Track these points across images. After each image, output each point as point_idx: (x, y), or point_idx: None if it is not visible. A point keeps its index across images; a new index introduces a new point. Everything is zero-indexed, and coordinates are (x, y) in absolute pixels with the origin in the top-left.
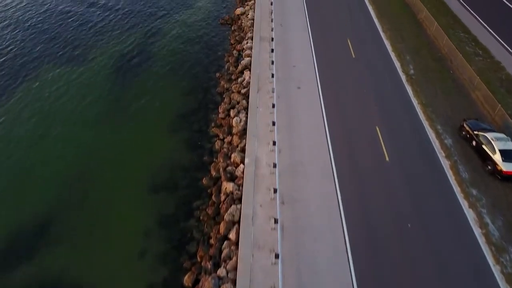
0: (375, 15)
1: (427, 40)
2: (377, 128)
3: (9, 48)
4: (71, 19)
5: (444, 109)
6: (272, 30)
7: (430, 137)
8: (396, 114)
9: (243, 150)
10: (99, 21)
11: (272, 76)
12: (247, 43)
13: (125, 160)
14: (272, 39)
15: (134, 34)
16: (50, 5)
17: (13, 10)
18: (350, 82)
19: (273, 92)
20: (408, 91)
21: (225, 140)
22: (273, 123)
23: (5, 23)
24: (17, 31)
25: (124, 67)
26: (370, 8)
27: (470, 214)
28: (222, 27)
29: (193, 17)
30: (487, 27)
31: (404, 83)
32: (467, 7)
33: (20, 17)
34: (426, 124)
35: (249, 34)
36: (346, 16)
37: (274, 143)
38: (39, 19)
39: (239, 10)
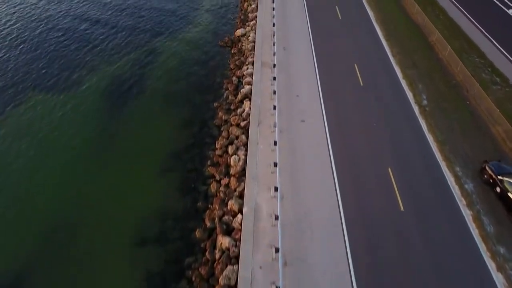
0: (383, 38)
1: (440, 66)
2: (390, 171)
3: None
4: (66, 41)
5: (463, 147)
6: (274, 54)
7: (449, 181)
8: (410, 153)
9: (241, 196)
10: (97, 43)
11: (274, 108)
12: (247, 68)
13: (114, 204)
14: (274, 65)
15: (132, 58)
16: (44, 27)
17: (4, 32)
18: (358, 114)
19: (275, 126)
20: (422, 125)
21: (221, 182)
22: (275, 164)
23: None
24: (8, 55)
25: (121, 95)
26: (378, 29)
27: (499, 279)
28: (222, 50)
29: (193, 39)
30: (504, 52)
31: (417, 115)
32: (481, 29)
33: (13, 40)
34: (443, 165)
35: (249, 59)
36: (353, 39)
37: (276, 189)
38: (32, 41)
39: (239, 32)
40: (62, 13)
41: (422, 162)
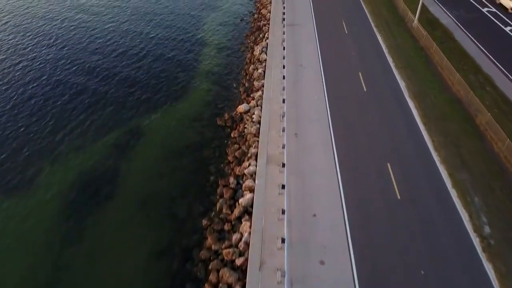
0: (420, 120)
1: (498, 166)
2: None
3: None
4: (34, 120)
5: None
6: (283, 147)
7: None
8: None
9: None
10: (70, 121)
11: (283, 241)
12: (249, 165)
13: None
14: (284, 165)
15: (111, 141)
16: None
17: None
18: (399, 254)
19: (283, 275)
20: (489, 273)
21: None
22: None
23: None
24: None
25: (83, 203)
26: (412, 106)
27: None
28: (220, 131)
29: (188, 113)
30: None
31: (480, 254)
32: None
33: None
34: None
35: (252, 149)
36: (383, 121)
37: None
38: None
39: (242, 108)
40: (39, 77)
41: None
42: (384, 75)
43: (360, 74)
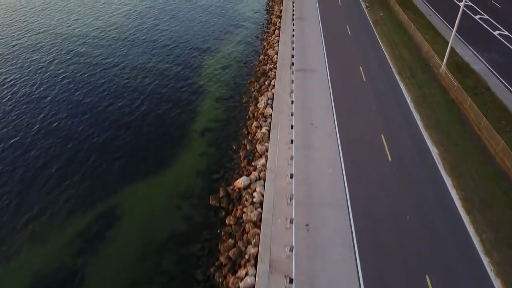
0: (461, 206)
1: None
2: None
3: None
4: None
5: None
6: (291, 249)
7: None
8: None
9: None
10: (34, 202)
11: None
12: (246, 274)
13: None
14: (292, 280)
15: (74, 231)
16: None
17: None
18: None
19: None
20: None
21: None
22: None
23: None
24: None
25: None
26: (449, 183)
27: None
28: (212, 216)
29: (174, 190)
30: None
31: None
32: None
33: None
34: None
35: (252, 249)
36: (417, 214)
37: None
38: None
39: (241, 182)
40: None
41: None
42: (412, 138)
43: (383, 137)
